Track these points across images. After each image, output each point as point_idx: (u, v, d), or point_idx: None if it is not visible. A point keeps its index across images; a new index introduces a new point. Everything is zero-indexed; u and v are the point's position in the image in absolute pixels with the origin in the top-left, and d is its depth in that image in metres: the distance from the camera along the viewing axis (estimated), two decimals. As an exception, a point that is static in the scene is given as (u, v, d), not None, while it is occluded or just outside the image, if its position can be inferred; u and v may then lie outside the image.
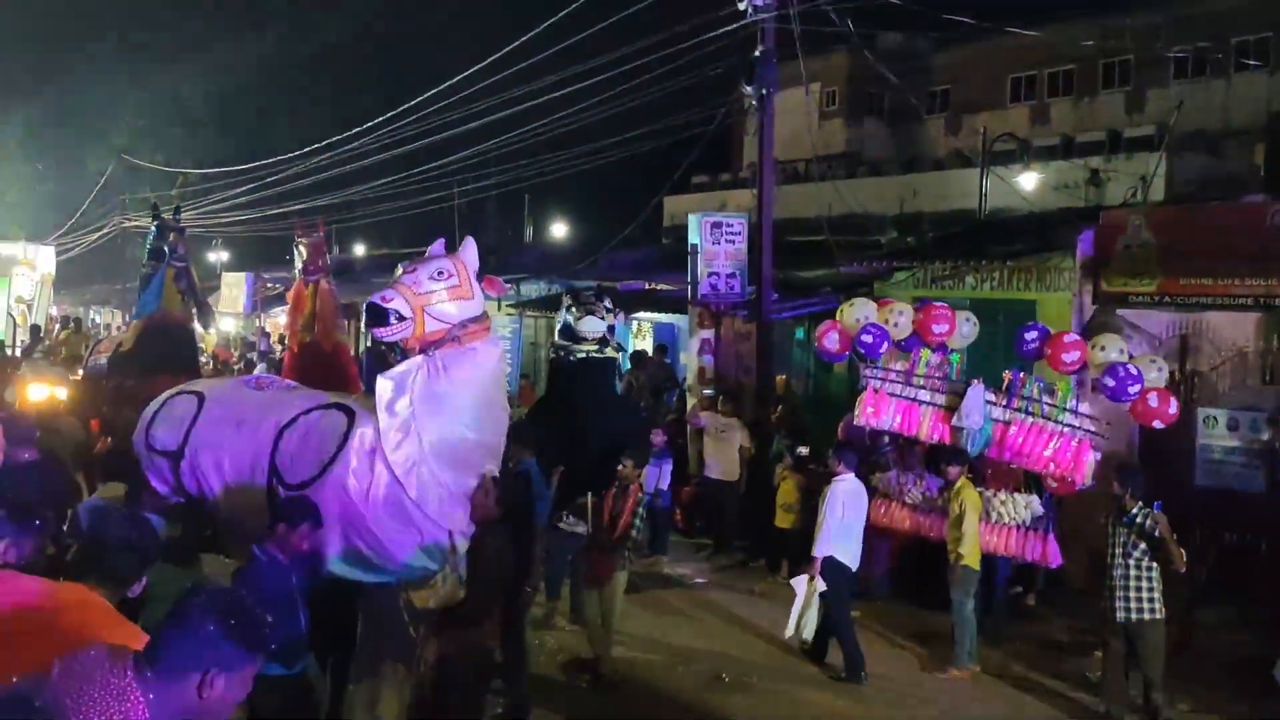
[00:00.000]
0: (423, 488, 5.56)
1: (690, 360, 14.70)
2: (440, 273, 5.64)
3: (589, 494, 8.22)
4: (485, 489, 5.87)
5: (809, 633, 8.42)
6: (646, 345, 17.07)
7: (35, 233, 33.30)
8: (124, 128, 42.92)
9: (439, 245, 5.93)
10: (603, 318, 8.30)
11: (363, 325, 5.62)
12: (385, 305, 5.45)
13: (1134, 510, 7.23)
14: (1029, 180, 22.15)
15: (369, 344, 20.67)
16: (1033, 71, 33.73)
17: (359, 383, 10.88)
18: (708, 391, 13.18)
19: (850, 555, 8.42)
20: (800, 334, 14.32)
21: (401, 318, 5.48)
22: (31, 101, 42.58)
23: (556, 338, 8.60)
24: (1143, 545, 7.17)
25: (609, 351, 8.43)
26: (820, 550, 8.29)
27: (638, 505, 8.11)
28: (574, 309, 8.28)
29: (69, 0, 42.85)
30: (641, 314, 17.33)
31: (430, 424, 5.61)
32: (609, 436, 8.08)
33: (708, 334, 14.18)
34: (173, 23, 44.91)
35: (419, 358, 5.64)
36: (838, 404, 12.85)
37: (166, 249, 10.92)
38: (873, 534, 10.27)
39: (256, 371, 16.39)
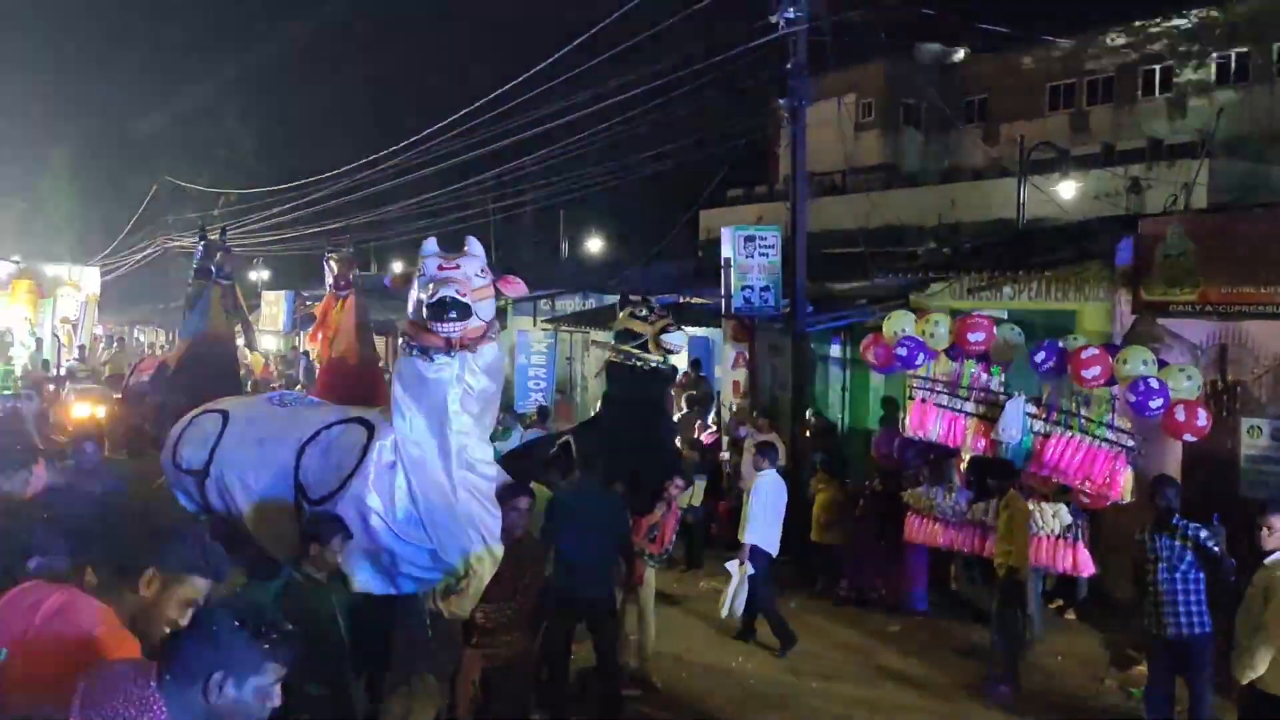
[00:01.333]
0: (450, 492, 5.57)
1: (725, 374, 14.65)
2: (483, 270, 5.63)
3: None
4: (516, 506, 5.89)
5: (738, 610, 9.16)
6: (681, 359, 17.03)
7: (80, 254, 33.92)
8: (167, 150, 43.61)
9: (476, 244, 5.90)
10: (682, 330, 8.41)
11: (425, 315, 5.45)
12: (465, 300, 5.37)
13: (1175, 523, 7.09)
14: (1068, 189, 21.89)
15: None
16: (1071, 79, 33.38)
17: (386, 396, 10.97)
18: (742, 403, 13.13)
19: (771, 542, 9.29)
20: (835, 347, 14.22)
21: (470, 313, 5.44)
22: (78, 125, 43.42)
23: (618, 343, 8.52)
24: (1189, 558, 7.01)
25: (670, 363, 8.49)
26: (748, 538, 9.11)
27: (678, 522, 8.25)
28: (651, 318, 8.28)
29: (115, 27, 43.65)
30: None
31: (461, 427, 5.62)
32: (667, 447, 8.17)
33: (742, 348, 14.13)
34: (216, 48, 45.64)
35: (455, 358, 5.53)
36: (873, 417, 12.75)
37: (213, 268, 11.10)
38: (908, 550, 10.26)
39: (299, 388, 16.58)
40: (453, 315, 5.34)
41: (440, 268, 5.50)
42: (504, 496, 5.94)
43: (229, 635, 2.56)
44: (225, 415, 6.49)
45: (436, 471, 5.58)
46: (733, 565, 9.19)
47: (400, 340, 5.85)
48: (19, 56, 44.84)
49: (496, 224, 28.01)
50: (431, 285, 5.38)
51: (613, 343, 8.67)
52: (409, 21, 47.57)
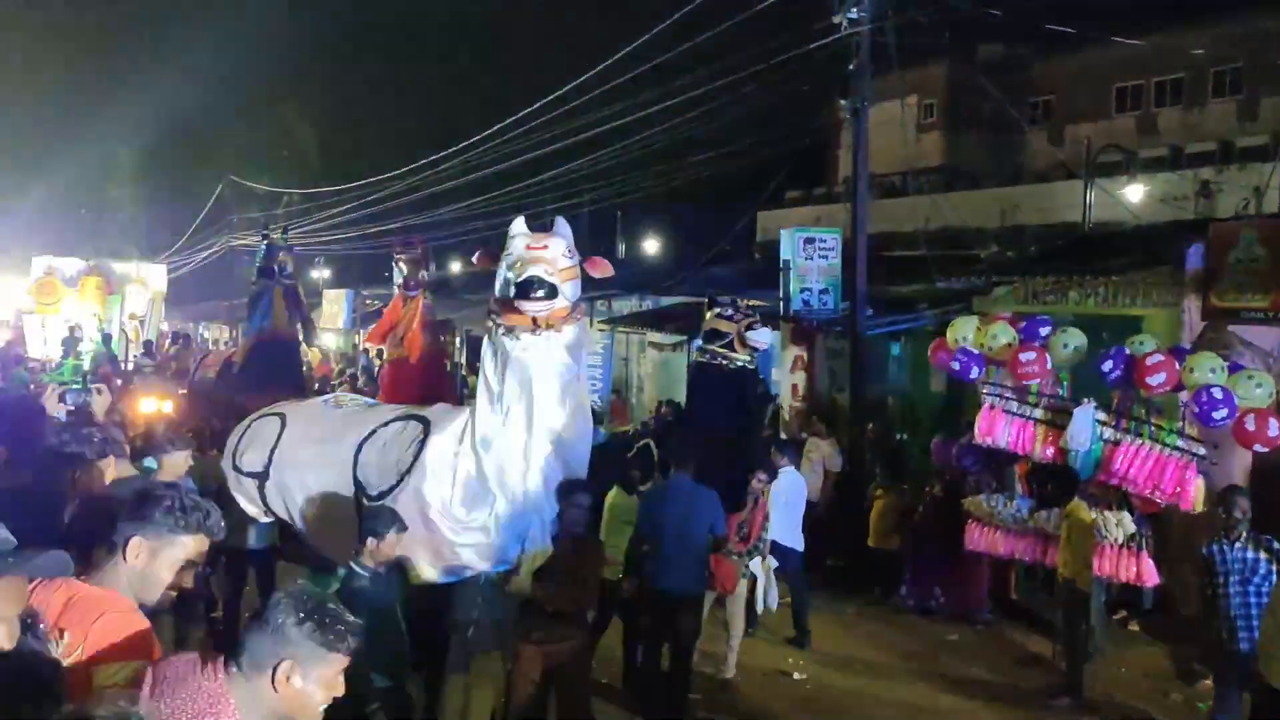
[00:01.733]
0: (524, 473, 5.58)
1: (783, 377, 14.56)
2: (570, 251, 5.64)
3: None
4: (578, 503, 5.91)
5: (772, 604, 8.97)
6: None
7: (148, 252, 34.61)
8: (232, 150, 44.38)
9: (564, 224, 5.88)
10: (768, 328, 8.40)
11: (512, 294, 5.44)
12: (553, 280, 5.39)
13: (1250, 534, 6.90)
14: (1135, 192, 21.49)
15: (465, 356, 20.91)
16: (1139, 80, 32.72)
17: (452, 394, 11.07)
18: (800, 406, 13.05)
19: (795, 539, 9.47)
20: (895, 350, 14.07)
21: (557, 293, 5.46)
22: (146, 125, 44.29)
23: (705, 343, 8.51)
24: (1262, 570, 6.81)
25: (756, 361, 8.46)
26: (771, 535, 8.91)
27: (766, 517, 8.25)
28: (736, 316, 8.27)
29: (180, 30, 44.52)
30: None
31: (546, 405, 5.64)
32: (754, 444, 8.15)
33: (800, 351, 14.03)
34: (279, 51, 46.33)
35: (541, 337, 5.53)
36: (937, 422, 12.58)
37: (276, 268, 11.29)
38: (968, 557, 10.11)
39: (361, 384, 16.77)
40: (540, 294, 5.35)
41: (528, 247, 5.52)
42: (565, 492, 5.96)
43: (294, 626, 2.60)
44: (283, 418, 6.59)
45: (516, 451, 5.59)
46: (756, 564, 9.04)
47: (487, 318, 5.81)
48: (90, 59, 45.95)
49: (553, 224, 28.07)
50: (519, 264, 5.40)
51: (699, 343, 8.66)
52: (470, 23, 47.97)
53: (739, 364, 8.07)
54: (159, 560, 3.11)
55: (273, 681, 2.57)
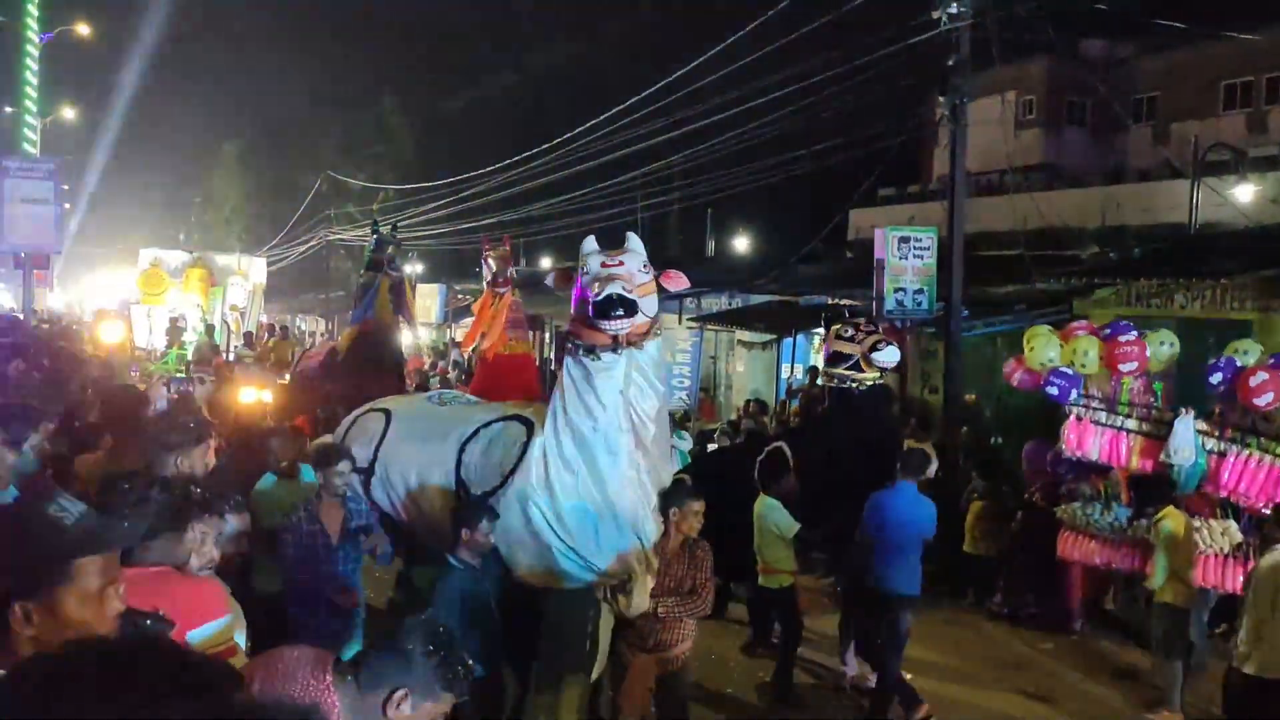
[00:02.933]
0: (613, 493, 5.59)
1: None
2: (645, 266, 5.58)
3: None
4: (691, 509, 5.92)
5: None
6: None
7: (249, 245, 35.54)
8: (331, 147, 45.33)
9: (636, 239, 5.80)
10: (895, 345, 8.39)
11: (592, 313, 5.42)
12: (632, 297, 5.34)
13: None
14: (1244, 192, 20.72)
15: (554, 351, 21.02)
16: (1249, 77, 31.58)
17: (540, 389, 11.16)
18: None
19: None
20: (991, 353, 13.78)
21: (636, 309, 5.41)
22: (248, 123, 45.53)
23: (829, 367, 8.60)
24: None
25: (885, 378, 8.48)
26: None
27: None
28: (858, 337, 8.25)
29: (284, 34, 45.60)
30: (822, 330, 17.07)
31: (632, 421, 5.62)
32: (892, 461, 7.98)
33: (893, 351, 13.77)
34: (376, 51, 47.23)
35: (622, 355, 5.49)
36: (1028, 427, 12.28)
37: (384, 260, 11.51)
38: (1064, 567, 9.85)
39: (451, 378, 17.01)
40: (619, 313, 5.29)
41: (604, 265, 5.45)
42: (677, 498, 5.94)
43: (421, 658, 2.69)
44: (388, 414, 6.68)
45: (601, 471, 5.57)
46: None
47: (564, 340, 5.83)
48: (195, 60, 47.34)
49: (643, 221, 28.17)
50: (596, 284, 5.34)
51: (824, 367, 8.74)
52: (565, 20, 48.33)
53: (866, 385, 8.23)
54: (180, 551, 3.22)
55: (384, 705, 2.65)
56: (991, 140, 18.91)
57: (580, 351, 5.53)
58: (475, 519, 5.40)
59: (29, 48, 21.27)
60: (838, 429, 8.54)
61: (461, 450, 6.03)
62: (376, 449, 6.42)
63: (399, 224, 15.10)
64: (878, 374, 8.30)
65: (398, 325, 12.02)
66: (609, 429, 5.53)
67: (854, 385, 8.28)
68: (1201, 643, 8.89)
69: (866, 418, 8.36)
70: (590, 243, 5.72)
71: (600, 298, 5.28)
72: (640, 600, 5.71)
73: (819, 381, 8.79)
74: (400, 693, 2.65)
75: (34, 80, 20.58)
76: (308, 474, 6.28)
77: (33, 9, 21.85)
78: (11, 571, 1.90)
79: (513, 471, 5.69)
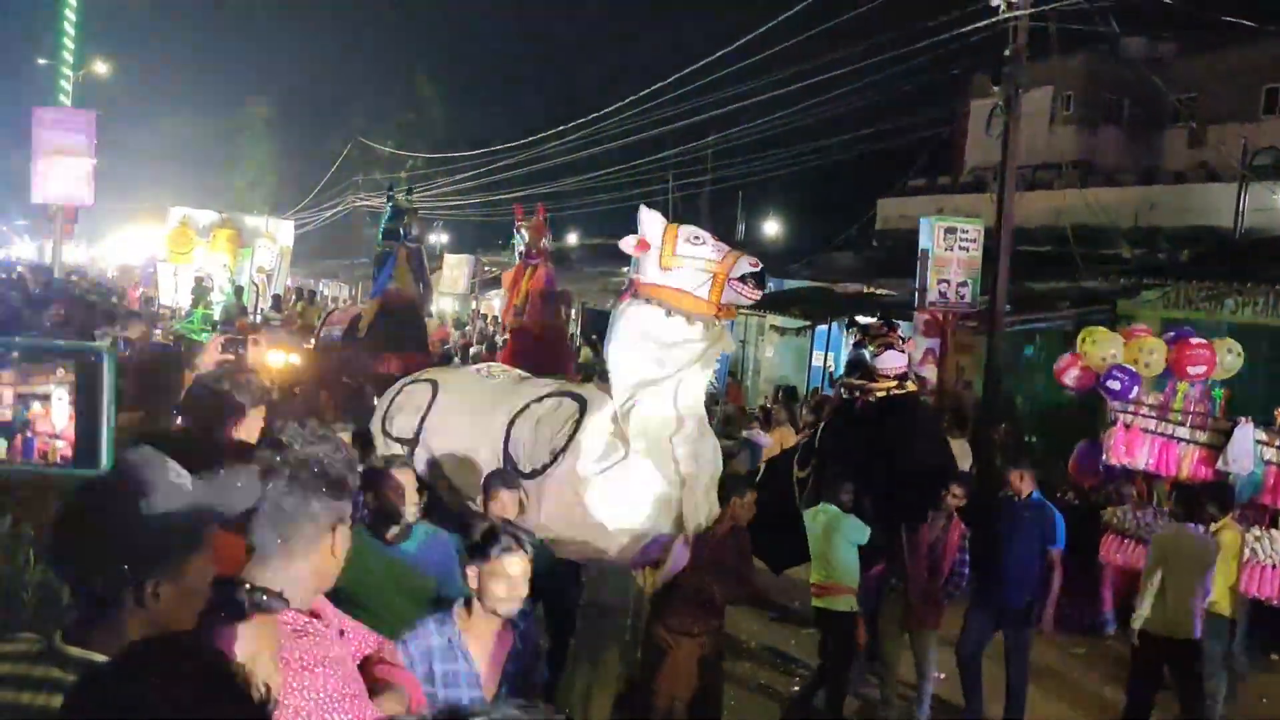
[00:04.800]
0: (671, 466, 5.49)
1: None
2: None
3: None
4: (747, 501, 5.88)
5: None
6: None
7: (276, 207, 35.46)
8: (360, 112, 45.22)
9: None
10: (902, 350, 7.85)
11: (742, 278, 5.46)
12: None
13: None
14: (1289, 198, 20.43)
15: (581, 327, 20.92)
16: (1293, 82, 31.16)
17: (570, 366, 11.02)
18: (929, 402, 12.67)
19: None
20: (1030, 350, 13.59)
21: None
22: (278, 86, 45.38)
23: (844, 375, 8.33)
24: None
25: (909, 386, 7.77)
26: None
27: (963, 540, 7.24)
28: (868, 343, 8.00)
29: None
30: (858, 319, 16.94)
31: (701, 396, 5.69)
32: (916, 482, 7.27)
33: (932, 343, 13.59)
34: (409, 17, 47.04)
35: (717, 327, 5.60)
36: (1069, 427, 12.10)
37: (401, 230, 11.32)
38: (1099, 569, 9.70)
39: (473, 352, 16.90)
40: (762, 286, 5.54)
41: (705, 241, 5.58)
42: (737, 488, 5.98)
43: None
44: (435, 385, 6.56)
45: (662, 441, 5.48)
46: None
47: (650, 304, 5.60)
48: (226, 21, 47.22)
49: (675, 201, 27.99)
50: (730, 255, 5.46)
51: (842, 376, 8.49)
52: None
53: (879, 396, 7.58)
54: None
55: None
56: (1030, 135, 18.66)
57: (671, 314, 5.49)
58: (493, 484, 5.12)
59: (69, -1, 21.10)
60: (829, 446, 7.78)
61: (510, 425, 5.91)
62: (422, 420, 6.31)
63: (426, 192, 14.91)
64: (893, 384, 7.55)
65: (422, 296, 11.85)
66: (690, 399, 5.58)
67: (868, 398, 7.61)
68: (1242, 653, 8.75)
69: (884, 428, 7.49)
70: (689, 228, 5.76)
71: (759, 270, 5.46)
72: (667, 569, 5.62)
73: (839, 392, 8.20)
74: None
75: (71, 31, 20.39)
76: None
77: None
78: (140, 549, 1.75)
79: (564, 450, 5.57)
